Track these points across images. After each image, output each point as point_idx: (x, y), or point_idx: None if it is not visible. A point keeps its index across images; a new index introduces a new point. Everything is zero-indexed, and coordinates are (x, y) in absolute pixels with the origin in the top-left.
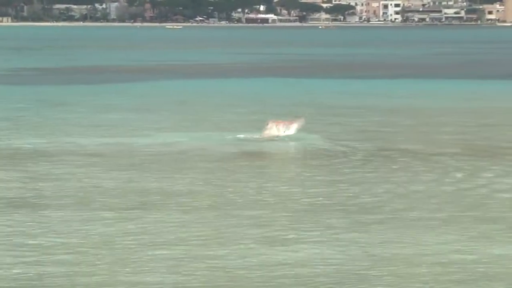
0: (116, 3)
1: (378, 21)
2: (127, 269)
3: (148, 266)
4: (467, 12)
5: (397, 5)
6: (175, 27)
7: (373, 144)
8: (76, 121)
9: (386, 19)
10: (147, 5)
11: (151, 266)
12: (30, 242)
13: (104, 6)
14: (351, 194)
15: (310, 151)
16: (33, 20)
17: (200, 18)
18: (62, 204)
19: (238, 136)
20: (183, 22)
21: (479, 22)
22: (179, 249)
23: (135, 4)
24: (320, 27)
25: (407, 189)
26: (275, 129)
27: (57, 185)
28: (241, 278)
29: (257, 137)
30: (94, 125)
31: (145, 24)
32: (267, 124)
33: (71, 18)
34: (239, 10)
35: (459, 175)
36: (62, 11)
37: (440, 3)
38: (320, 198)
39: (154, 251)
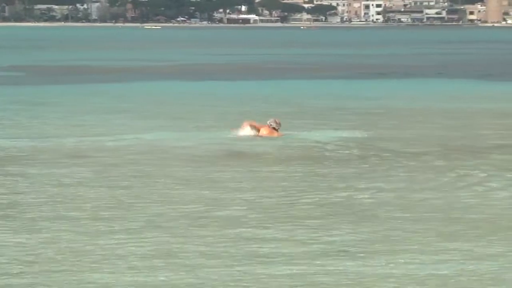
0: (97, 3)
1: (360, 21)
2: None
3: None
4: (449, 12)
5: (378, 6)
6: (153, 27)
7: (356, 146)
8: (55, 122)
9: (368, 20)
10: (129, 5)
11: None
12: None
13: (85, 6)
14: (341, 199)
15: (294, 153)
16: (15, 20)
17: (182, 19)
18: (38, 206)
19: (222, 135)
20: (165, 23)
21: (460, 22)
22: (141, 261)
23: (117, 4)
24: (302, 27)
25: (392, 192)
26: (268, 129)
27: (34, 187)
28: None
29: (248, 135)
30: (74, 126)
31: (127, 24)
32: (272, 123)
33: (52, 19)
34: (221, 10)
35: (443, 176)
36: (43, 11)
37: (421, 3)
38: (306, 205)
39: (118, 262)
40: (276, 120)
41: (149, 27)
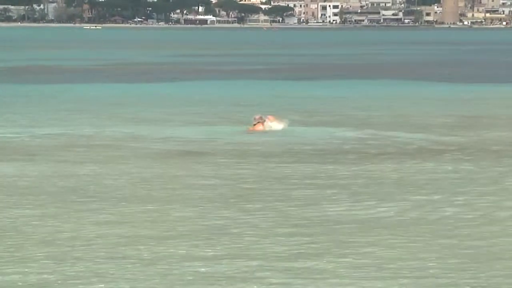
0: (54, 4)
1: (317, 22)
2: None
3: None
4: (405, 13)
5: (335, 7)
6: (92, 27)
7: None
8: (15, 119)
9: (325, 21)
10: (85, 6)
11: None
12: None
13: (42, 6)
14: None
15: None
16: None
17: (139, 19)
18: None
19: (188, 135)
20: (122, 23)
21: (417, 24)
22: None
23: (73, 5)
24: (264, 28)
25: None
26: (266, 124)
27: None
28: None
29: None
30: (33, 126)
31: (83, 25)
32: (254, 119)
33: (9, 19)
34: (178, 11)
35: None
36: (0, 12)
37: (378, 4)
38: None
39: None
40: (257, 116)
41: (88, 27)
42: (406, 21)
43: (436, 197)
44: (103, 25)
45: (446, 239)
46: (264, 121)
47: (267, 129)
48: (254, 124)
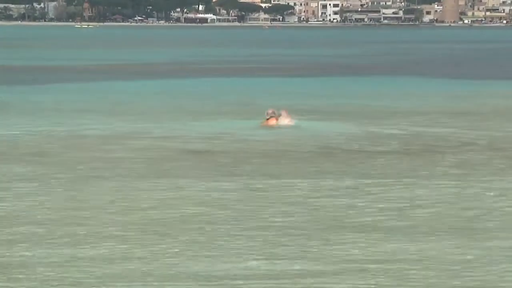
0: (54, 3)
1: (317, 21)
2: None
3: None
4: (405, 12)
5: (335, 5)
6: (83, 26)
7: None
8: (18, 120)
9: (325, 19)
10: (86, 5)
11: None
12: None
13: (42, 5)
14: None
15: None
16: None
17: (139, 18)
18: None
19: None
20: (122, 22)
21: (417, 22)
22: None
23: (74, 3)
24: (266, 27)
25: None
26: (279, 118)
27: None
28: None
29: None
30: (35, 124)
31: (83, 23)
32: (267, 114)
33: (9, 18)
34: (178, 9)
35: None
36: (0, 10)
37: (378, 3)
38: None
39: None
40: (270, 110)
41: (79, 26)
42: (426, 19)
43: None
44: (103, 23)
45: None
46: (278, 115)
47: (280, 123)
48: (267, 119)
